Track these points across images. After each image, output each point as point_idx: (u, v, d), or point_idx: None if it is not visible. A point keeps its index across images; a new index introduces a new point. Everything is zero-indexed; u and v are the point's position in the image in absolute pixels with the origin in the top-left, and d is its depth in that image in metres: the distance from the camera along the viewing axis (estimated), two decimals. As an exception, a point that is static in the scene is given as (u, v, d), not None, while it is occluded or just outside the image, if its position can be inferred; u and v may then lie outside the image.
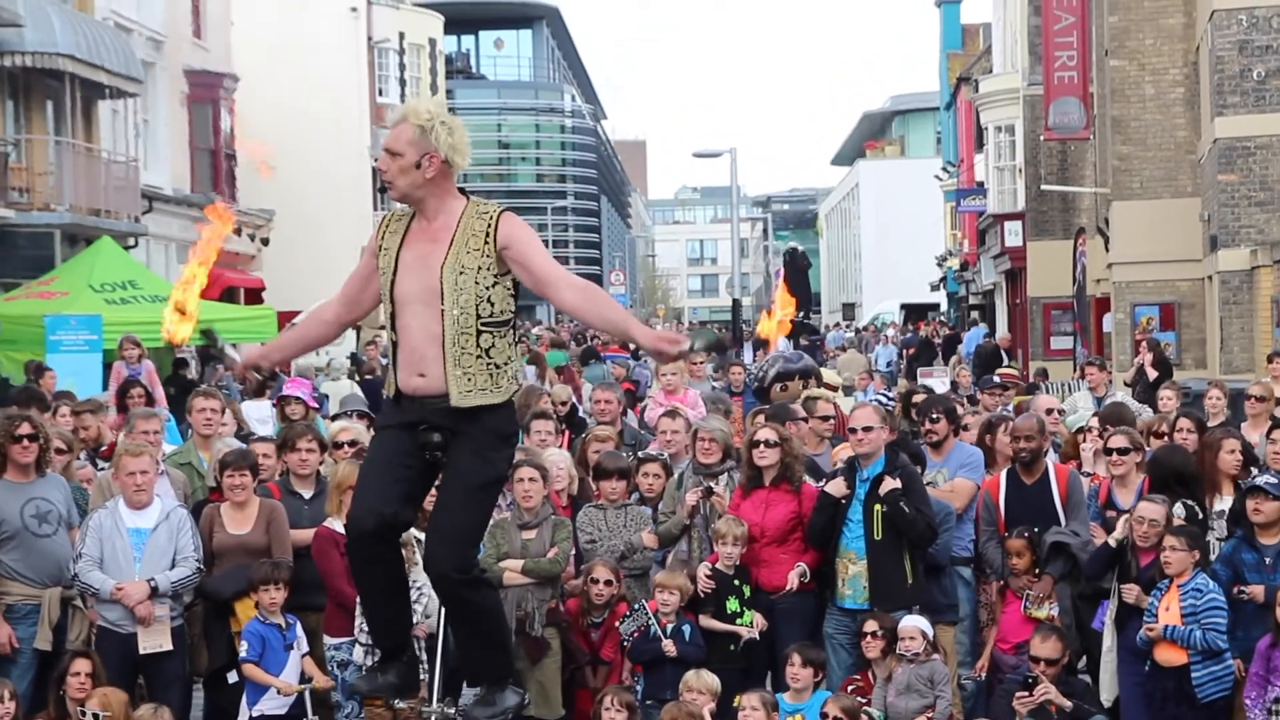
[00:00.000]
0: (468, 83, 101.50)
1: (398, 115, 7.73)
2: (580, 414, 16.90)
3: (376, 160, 7.72)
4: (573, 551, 11.26)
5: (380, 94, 63.18)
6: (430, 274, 7.66)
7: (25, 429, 10.82)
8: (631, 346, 31.49)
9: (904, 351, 47.35)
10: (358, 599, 9.35)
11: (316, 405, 15.60)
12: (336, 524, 10.91)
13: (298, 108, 50.96)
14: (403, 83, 66.14)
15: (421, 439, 7.78)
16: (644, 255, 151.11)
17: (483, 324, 7.67)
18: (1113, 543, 10.86)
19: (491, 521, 11.16)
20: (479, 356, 7.67)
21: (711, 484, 11.46)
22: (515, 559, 10.92)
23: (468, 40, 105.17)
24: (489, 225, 7.71)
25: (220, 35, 45.99)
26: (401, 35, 65.86)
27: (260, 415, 16.90)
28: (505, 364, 7.79)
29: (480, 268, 7.66)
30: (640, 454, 12.36)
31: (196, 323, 9.21)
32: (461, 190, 7.91)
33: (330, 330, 8.36)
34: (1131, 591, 10.59)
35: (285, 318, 39.59)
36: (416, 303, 7.68)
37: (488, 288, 7.68)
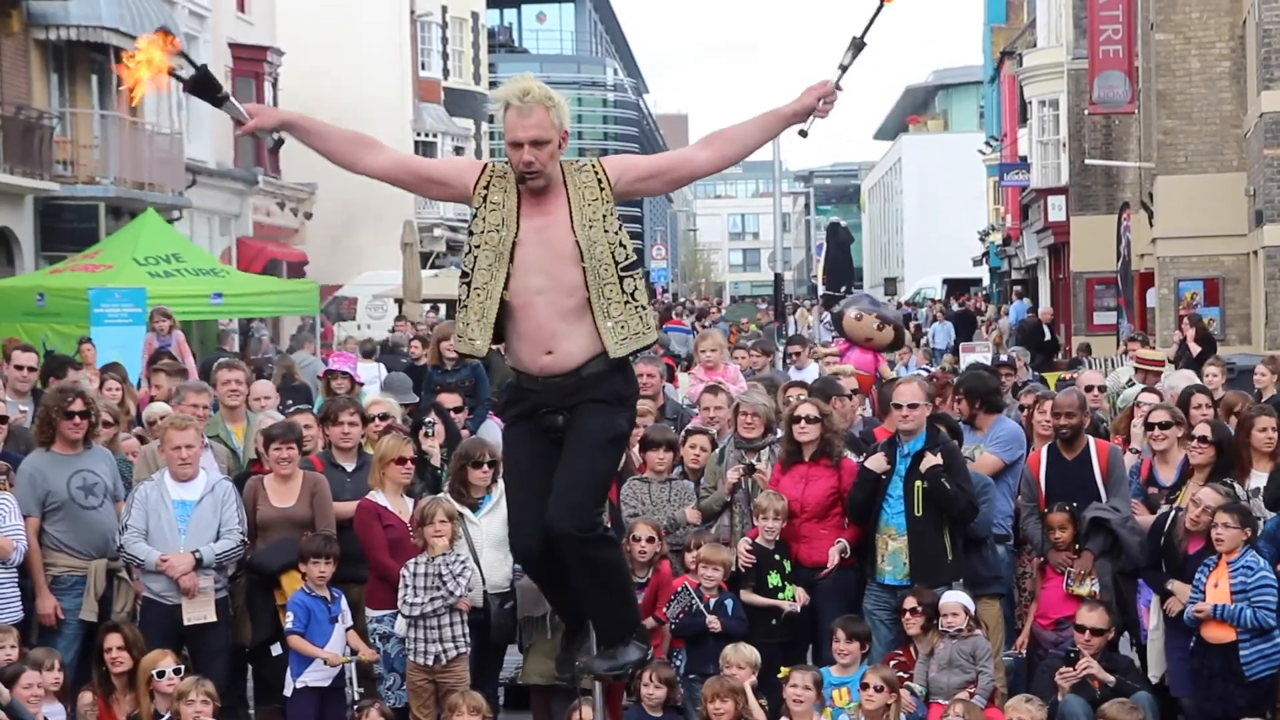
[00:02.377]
0: (510, 56, 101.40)
1: (521, 100, 7.22)
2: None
3: (520, 155, 7.29)
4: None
5: (423, 68, 63.28)
6: (554, 245, 7.32)
7: (78, 405, 10.90)
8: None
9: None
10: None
11: (361, 380, 15.65)
12: (379, 497, 10.97)
13: (340, 81, 51.07)
14: (445, 56, 66.24)
15: (545, 423, 7.47)
16: (685, 229, 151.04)
17: (622, 269, 7.37)
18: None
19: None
20: (626, 302, 7.38)
21: (753, 460, 11.48)
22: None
23: (510, 14, 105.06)
24: (596, 174, 7.48)
25: (264, 8, 46.11)
26: (444, 9, 65.88)
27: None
28: (649, 304, 7.60)
29: (605, 215, 7.41)
30: (688, 428, 12.39)
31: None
32: None
33: (352, 164, 7.57)
34: (1176, 604, 10.53)
35: (328, 291, 39.83)
36: (540, 275, 7.31)
37: (615, 232, 7.42)
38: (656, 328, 7.81)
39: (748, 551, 10.95)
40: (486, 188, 7.43)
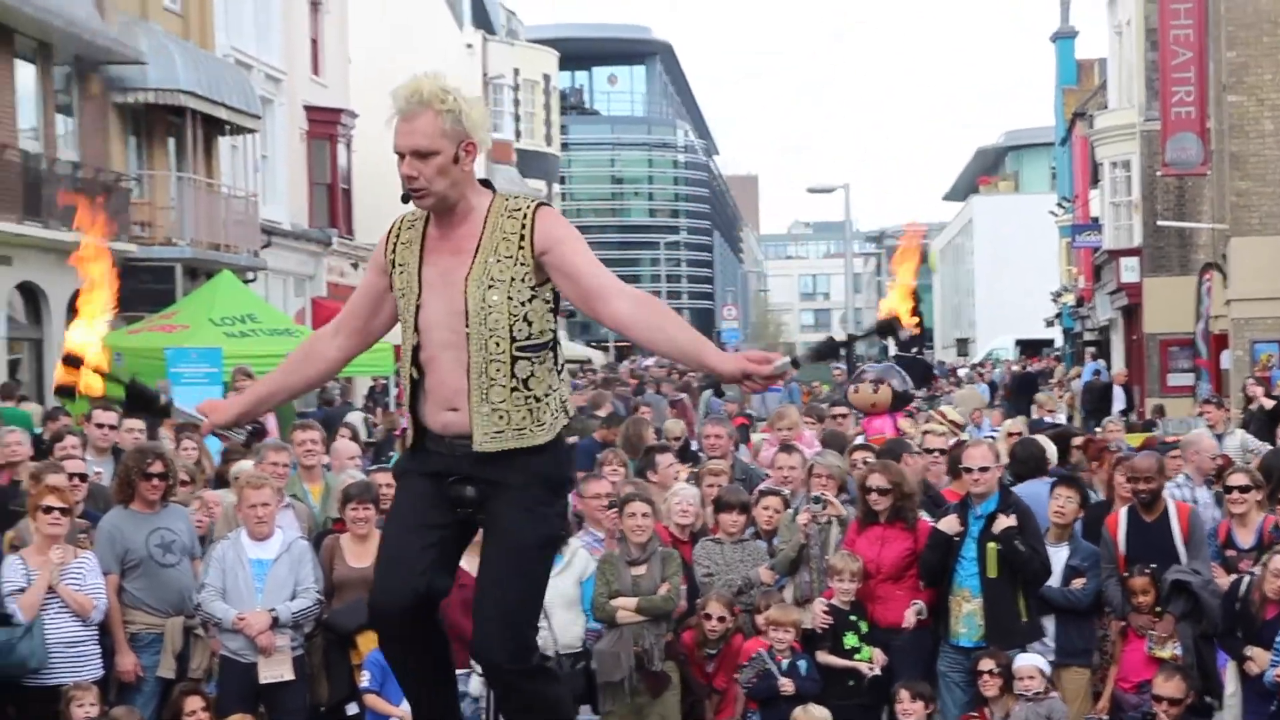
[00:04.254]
0: (581, 118, 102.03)
1: (407, 102, 6.06)
2: (693, 448, 16.94)
3: (400, 168, 6.10)
4: (684, 585, 11.28)
5: (495, 130, 63.57)
6: (455, 292, 6.10)
7: (157, 466, 10.99)
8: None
9: (1001, 388, 47.09)
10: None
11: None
12: (456, 556, 10.99)
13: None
14: (517, 118, 66.70)
15: (452, 493, 6.22)
16: (756, 290, 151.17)
17: (518, 349, 6.08)
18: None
19: (600, 557, 11.26)
20: (514, 389, 6.10)
21: (821, 493, 11.48)
22: (626, 595, 10.95)
23: (581, 76, 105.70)
24: (523, 224, 6.11)
25: (338, 71, 46.49)
26: (516, 71, 66.42)
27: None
28: (546, 395, 6.18)
29: (514, 279, 6.07)
30: (760, 488, 12.40)
31: (107, 372, 6.56)
32: (484, 183, 6.30)
33: (331, 368, 6.68)
34: (1255, 666, 10.46)
35: (401, 353, 40.00)
36: (444, 329, 6.12)
37: (523, 303, 6.09)
38: (560, 424, 6.33)
39: (824, 613, 10.93)
40: (395, 250, 6.28)
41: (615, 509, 11.70)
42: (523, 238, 6.09)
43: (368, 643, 10.76)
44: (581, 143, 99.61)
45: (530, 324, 6.10)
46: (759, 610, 11.14)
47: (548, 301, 6.16)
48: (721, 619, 11.03)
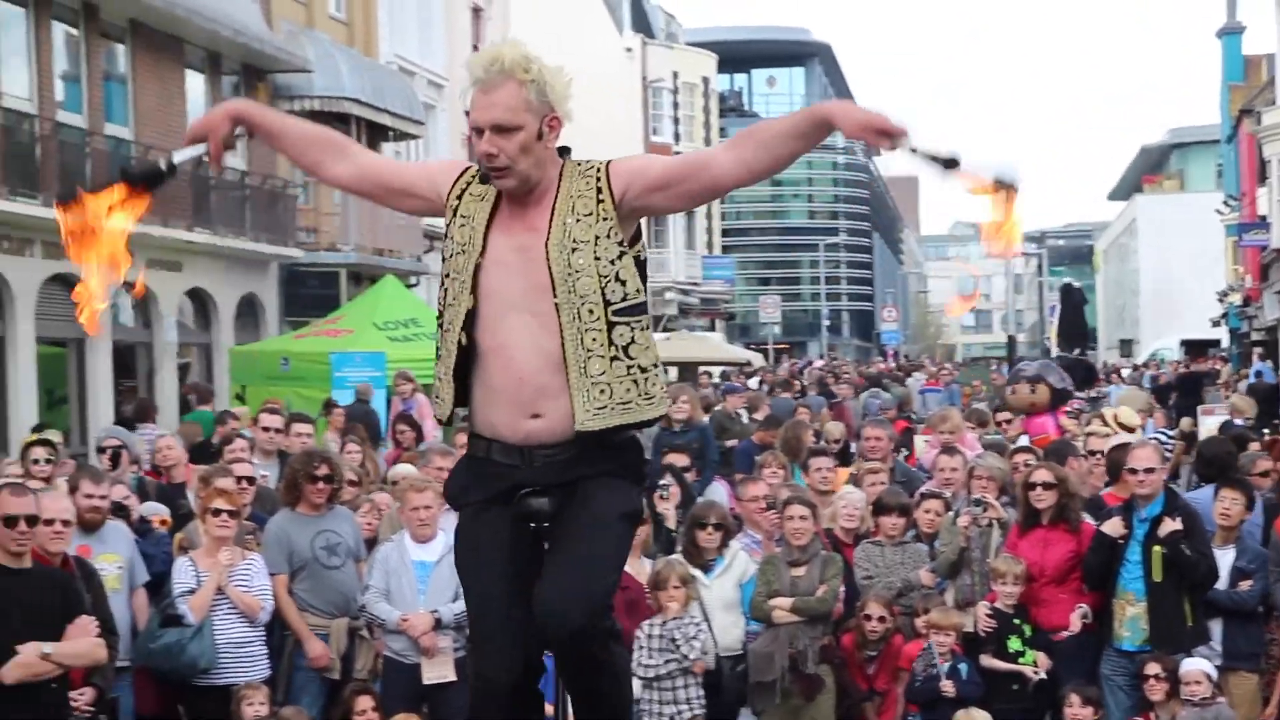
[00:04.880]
0: (740, 120, 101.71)
1: (486, 71, 5.42)
2: (851, 451, 16.92)
3: (479, 145, 5.45)
4: (842, 589, 11.26)
5: (654, 133, 63.84)
6: (532, 272, 5.47)
7: (323, 470, 11.15)
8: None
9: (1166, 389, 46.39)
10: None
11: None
12: (616, 559, 11.05)
13: (572, 147, 51.59)
14: (676, 121, 66.85)
15: (525, 508, 5.53)
16: (917, 291, 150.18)
17: (614, 312, 5.45)
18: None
19: (762, 558, 11.28)
20: (614, 359, 5.46)
21: (982, 495, 11.42)
22: (785, 596, 10.96)
23: (740, 78, 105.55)
24: (597, 179, 5.56)
25: (499, 77, 46.78)
26: (675, 75, 66.54)
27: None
28: (655, 366, 5.59)
29: (598, 237, 5.47)
30: (921, 490, 12.36)
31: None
32: (561, 151, 5.69)
33: (317, 171, 5.88)
34: None
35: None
36: (520, 310, 5.47)
37: (612, 262, 5.47)
38: (665, 404, 5.73)
39: (988, 616, 10.87)
40: (460, 197, 5.65)
41: (774, 510, 11.73)
42: (599, 190, 5.53)
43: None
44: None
45: (624, 284, 5.49)
46: (919, 613, 11.11)
47: (640, 258, 5.58)
48: (881, 619, 11.00)
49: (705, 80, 70.55)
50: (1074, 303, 52.14)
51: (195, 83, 32.22)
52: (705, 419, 18.10)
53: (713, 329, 63.63)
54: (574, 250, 5.44)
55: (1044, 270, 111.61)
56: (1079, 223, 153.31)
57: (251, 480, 12.02)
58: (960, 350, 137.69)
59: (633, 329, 5.49)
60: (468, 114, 5.64)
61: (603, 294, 5.45)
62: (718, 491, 13.93)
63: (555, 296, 5.42)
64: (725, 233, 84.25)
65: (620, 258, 5.49)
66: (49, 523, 9.33)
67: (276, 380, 25.01)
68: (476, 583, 5.63)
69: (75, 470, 11.66)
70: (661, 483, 12.60)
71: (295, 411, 16.46)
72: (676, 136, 66.82)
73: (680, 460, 14.12)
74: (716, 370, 43.64)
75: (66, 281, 27.38)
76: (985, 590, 11.11)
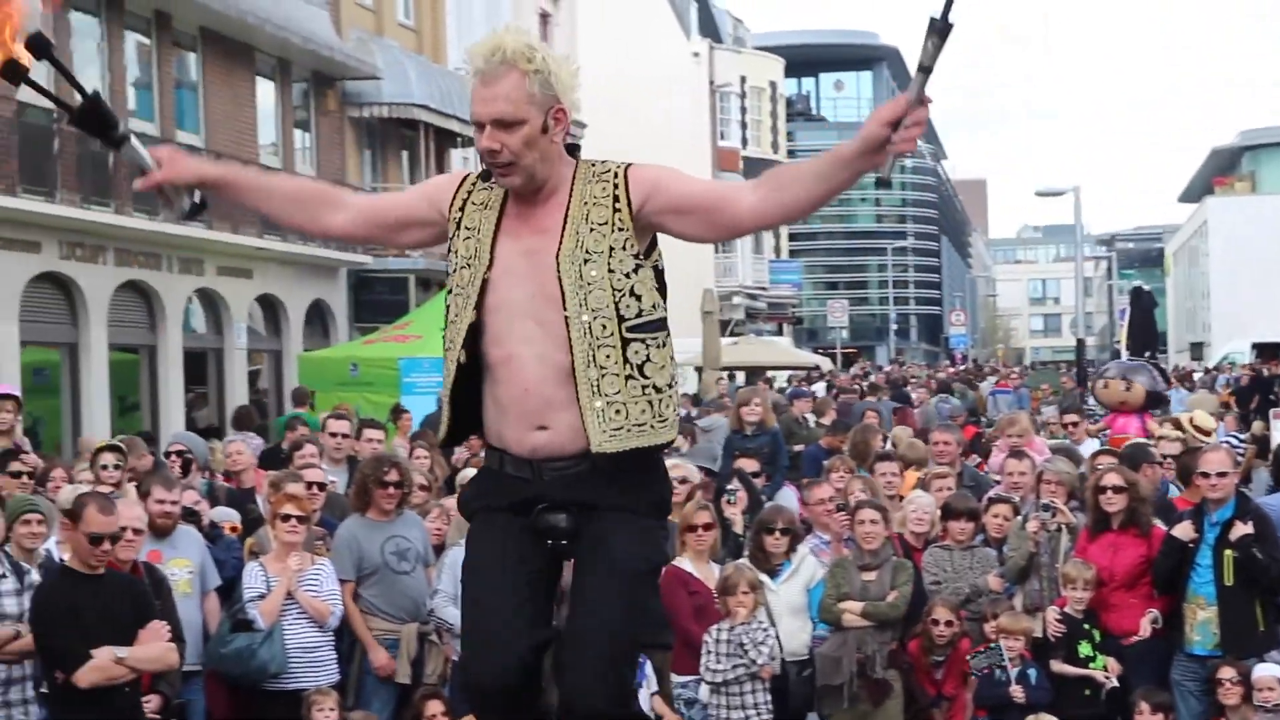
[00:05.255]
0: (808, 124, 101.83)
1: (487, 62, 5.06)
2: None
3: (480, 140, 5.12)
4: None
5: (721, 137, 63.81)
6: (542, 278, 5.15)
7: (393, 475, 11.19)
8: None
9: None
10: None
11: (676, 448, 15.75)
12: (685, 563, 11.06)
13: (640, 152, 51.50)
14: (743, 125, 66.81)
15: (542, 523, 5.25)
16: (985, 295, 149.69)
17: (629, 329, 5.14)
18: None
19: (833, 560, 11.28)
20: (629, 377, 5.13)
21: (1051, 500, 11.39)
22: (855, 600, 10.95)
23: (808, 82, 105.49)
24: (615, 185, 5.21)
25: (566, 82, 46.91)
26: (743, 79, 66.52)
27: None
28: (670, 386, 5.27)
29: (613, 248, 5.14)
30: (990, 495, 12.33)
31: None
32: (570, 150, 5.36)
33: (314, 228, 5.60)
34: None
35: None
36: (528, 319, 5.16)
37: (627, 275, 5.15)
38: (677, 423, 5.36)
39: (1057, 621, 10.84)
40: (462, 209, 5.34)
41: (842, 512, 11.72)
42: (616, 199, 5.19)
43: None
44: (808, 149, 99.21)
45: (639, 298, 5.16)
46: (987, 618, 11.08)
47: (658, 269, 5.26)
48: (949, 623, 10.98)
49: (773, 84, 70.50)
50: (1144, 306, 51.86)
51: (265, 90, 32.44)
52: (776, 424, 18.08)
53: (780, 333, 63.52)
54: (586, 261, 5.12)
55: (1114, 273, 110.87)
56: (1149, 226, 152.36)
57: (322, 486, 12.09)
58: (1029, 354, 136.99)
59: (648, 346, 5.17)
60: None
61: (616, 309, 5.12)
62: (788, 496, 13.92)
63: (565, 310, 5.10)
64: (793, 237, 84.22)
65: (636, 270, 5.17)
66: (121, 529, 9.44)
67: (346, 386, 25.14)
68: (476, 585, 5.33)
69: (147, 476, 11.76)
70: (729, 488, 12.62)
71: (366, 417, 16.54)
72: (744, 141, 66.81)
73: (751, 465, 14.13)
74: (782, 375, 43.60)
75: (138, 289, 27.66)
76: (1054, 595, 11.08)
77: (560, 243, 5.15)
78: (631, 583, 5.18)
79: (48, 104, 24.12)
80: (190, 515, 11.37)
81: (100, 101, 5.25)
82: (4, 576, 9.31)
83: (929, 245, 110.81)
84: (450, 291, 5.34)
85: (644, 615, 5.33)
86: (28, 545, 9.86)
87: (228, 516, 12.17)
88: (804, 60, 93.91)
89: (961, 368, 57.78)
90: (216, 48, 30.42)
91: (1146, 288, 40.04)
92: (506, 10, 42.53)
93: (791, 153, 73.84)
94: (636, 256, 5.17)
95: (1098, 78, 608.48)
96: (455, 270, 5.31)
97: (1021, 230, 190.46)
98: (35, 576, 9.47)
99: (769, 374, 40.49)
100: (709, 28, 69.87)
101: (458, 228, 5.31)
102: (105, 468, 11.91)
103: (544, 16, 46.50)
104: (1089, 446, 16.26)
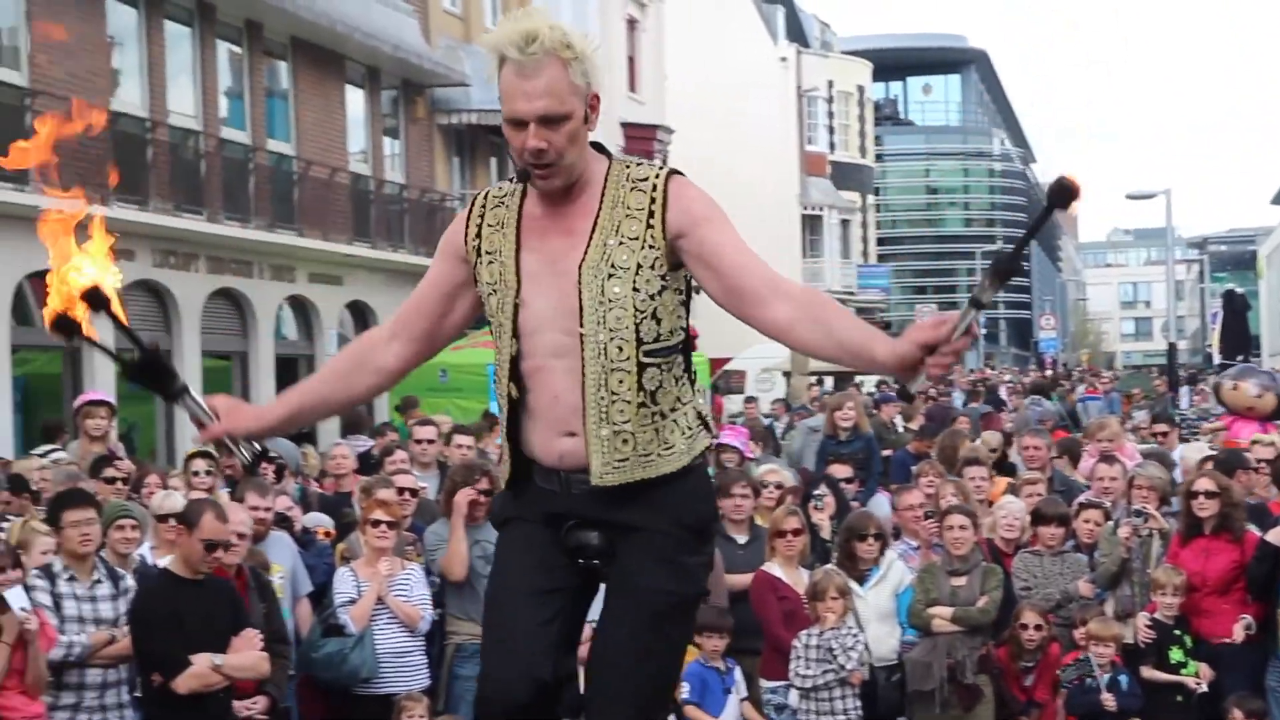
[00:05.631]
0: (895, 129, 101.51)
1: (523, 52, 4.65)
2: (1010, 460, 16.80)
3: (523, 139, 4.68)
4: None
5: (809, 142, 63.70)
6: (567, 284, 4.83)
7: (484, 484, 11.23)
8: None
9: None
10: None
11: (752, 455, 15.78)
12: (774, 568, 11.07)
13: (728, 157, 51.74)
14: (831, 130, 66.65)
15: (571, 541, 4.96)
16: (1075, 299, 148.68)
17: (646, 353, 4.82)
18: None
19: (922, 566, 11.25)
20: (641, 405, 4.83)
21: (1143, 505, 11.33)
22: (944, 605, 10.93)
23: (895, 86, 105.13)
24: (652, 198, 4.84)
25: (654, 88, 47.06)
26: (830, 84, 66.37)
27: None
28: (674, 410, 4.93)
29: (640, 265, 4.80)
30: (1080, 500, 12.28)
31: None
32: (596, 146, 5.00)
33: (387, 381, 5.25)
34: None
35: (717, 365, 40.22)
36: (555, 330, 4.85)
37: (652, 296, 4.82)
38: (700, 447, 4.98)
39: (1147, 627, 10.78)
40: (479, 235, 4.99)
41: (931, 519, 11.70)
42: (652, 214, 4.82)
43: (687, 654, 10.87)
44: (896, 154, 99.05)
45: (659, 322, 4.83)
46: (1078, 624, 11.03)
47: (680, 293, 4.92)
48: (1038, 627, 10.93)
49: (860, 89, 70.31)
50: (1236, 309, 51.44)
51: (355, 98, 32.66)
52: (870, 429, 18.05)
53: (869, 338, 63.19)
54: (610, 276, 4.78)
55: (1206, 276, 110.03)
56: (1241, 228, 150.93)
57: (413, 492, 12.16)
58: (1119, 358, 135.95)
59: (662, 371, 4.85)
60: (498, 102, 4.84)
61: (636, 330, 4.79)
62: (881, 502, 13.90)
63: (581, 326, 4.78)
64: (881, 241, 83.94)
65: (661, 292, 4.82)
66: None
67: (435, 392, 25.24)
68: (500, 597, 5.06)
69: (241, 482, 11.87)
70: (816, 493, 12.62)
71: (459, 423, 16.63)
72: (831, 146, 66.67)
73: (844, 470, 14.11)
74: (870, 380, 43.47)
75: (230, 296, 27.90)
76: (1145, 601, 11.02)
77: (585, 253, 4.81)
78: (658, 622, 4.89)
79: (141, 113, 24.16)
80: (282, 521, 11.47)
81: (158, 354, 5.09)
82: (100, 582, 9.42)
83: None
84: (490, 324, 5.00)
85: (674, 656, 5.08)
86: (122, 550, 9.98)
87: (320, 522, 12.27)
88: (892, 64, 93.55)
89: (1049, 372, 57.41)
90: (307, 56, 30.65)
91: (1239, 290, 39.68)
92: (593, 16, 42.61)
93: (879, 157, 73.71)
94: (663, 277, 4.82)
95: (1190, 78, 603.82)
96: (485, 299, 4.98)
97: (1112, 233, 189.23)
98: (130, 581, 9.59)
99: (857, 379, 40.38)
100: (796, 32, 69.79)
101: (478, 254, 4.96)
102: (197, 474, 12.02)
103: (631, 22, 46.57)
104: (1190, 450, 16.16)
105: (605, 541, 4.90)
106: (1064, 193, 4.10)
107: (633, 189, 4.84)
